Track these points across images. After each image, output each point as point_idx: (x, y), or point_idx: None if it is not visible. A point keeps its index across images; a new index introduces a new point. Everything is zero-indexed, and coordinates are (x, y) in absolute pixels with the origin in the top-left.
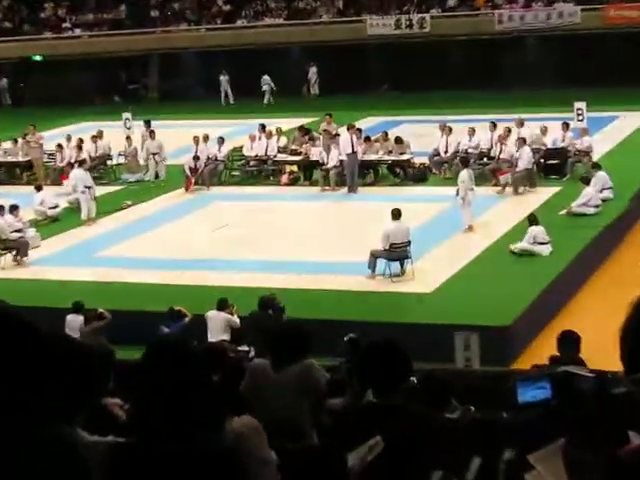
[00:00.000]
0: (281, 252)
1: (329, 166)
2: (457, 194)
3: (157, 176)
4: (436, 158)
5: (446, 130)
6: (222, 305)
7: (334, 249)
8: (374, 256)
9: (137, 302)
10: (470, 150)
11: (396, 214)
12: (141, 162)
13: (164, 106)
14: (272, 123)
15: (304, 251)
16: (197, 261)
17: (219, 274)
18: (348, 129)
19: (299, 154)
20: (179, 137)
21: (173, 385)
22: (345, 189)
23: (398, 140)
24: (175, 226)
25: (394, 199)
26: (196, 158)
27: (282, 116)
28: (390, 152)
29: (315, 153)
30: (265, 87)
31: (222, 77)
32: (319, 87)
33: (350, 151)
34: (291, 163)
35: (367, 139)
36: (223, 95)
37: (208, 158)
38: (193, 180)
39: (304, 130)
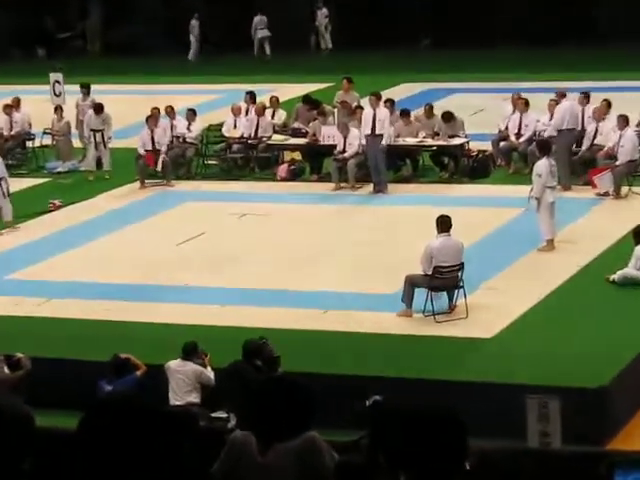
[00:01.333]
0: (277, 276)
1: (347, 154)
2: (531, 195)
3: (99, 164)
4: (503, 143)
5: (520, 104)
6: (190, 352)
7: (352, 273)
8: (411, 284)
9: (66, 347)
10: (550, 132)
11: (444, 225)
12: (76, 144)
13: (109, 64)
14: (265, 90)
15: (309, 276)
16: (155, 288)
17: (187, 307)
18: (374, 100)
19: (304, 135)
20: (130, 109)
21: (120, 466)
22: (370, 187)
23: (447, 117)
24: (124, 237)
25: (440, 202)
26: (154, 141)
27: (280, 80)
28: (436, 134)
29: (327, 134)
30: (260, 34)
31: (194, 22)
32: (332, 38)
33: (369, 132)
34: (292, 148)
35: (403, 115)
36: (194, 48)
37: (172, 140)
38: (158, 161)
39: (311, 101)
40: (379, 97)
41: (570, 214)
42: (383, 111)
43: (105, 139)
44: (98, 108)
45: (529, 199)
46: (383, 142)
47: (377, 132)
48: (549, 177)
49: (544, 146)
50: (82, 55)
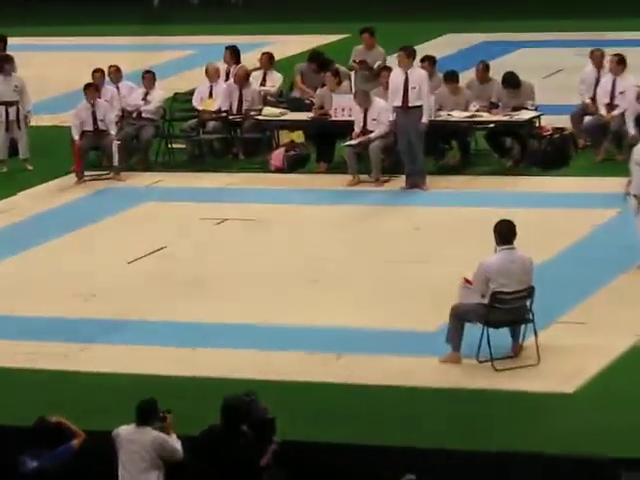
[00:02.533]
0: (270, 306)
1: (370, 135)
2: (629, 191)
3: (14, 150)
4: (588, 119)
5: (612, 63)
6: (147, 414)
7: (376, 302)
8: (459, 318)
9: None
10: None
11: (505, 233)
12: None
13: (35, 6)
14: (253, 45)
15: (315, 306)
16: (97, 323)
17: (142, 349)
18: (405, 58)
19: (308, 108)
20: (64, 71)
21: None
22: (401, 180)
23: (510, 81)
24: (54, 252)
25: (500, 201)
26: (95, 117)
27: (273, 30)
28: (494, 106)
29: (340, 106)
30: None
31: None
32: None
33: (400, 103)
34: (291, 126)
35: (448, 79)
36: None
37: (123, 115)
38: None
39: (319, 59)
40: (412, 53)
41: None
42: (419, 73)
43: (21, 114)
44: (5, 63)
45: (626, 197)
46: (424, 119)
47: (411, 103)
48: None
49: None
50: None
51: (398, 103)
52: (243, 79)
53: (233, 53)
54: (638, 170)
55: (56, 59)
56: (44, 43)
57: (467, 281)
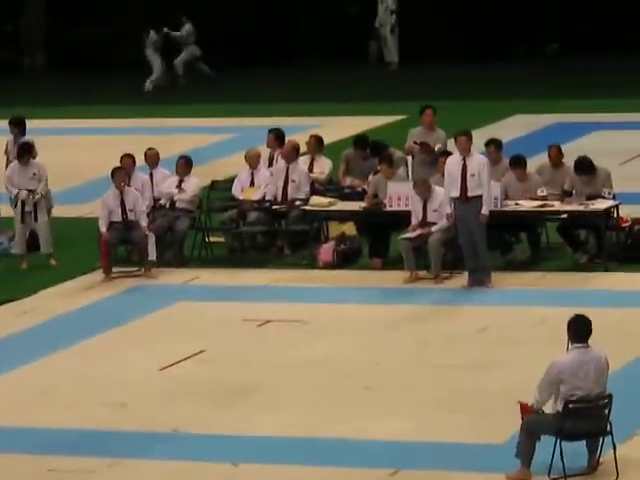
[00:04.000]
0: (317, 418)
1: (433, 229)
2: None
3: (34, 244)
4: None
5: None
6: None
7: (435, 412)
8: (531, 431)
9: None
10: None
11: (579, 330)
12: (5, 212)
13: (56, 84)
14: (300, 128)
15: (367, 416)
16: (127, 436)
17: (177, 465)
18: (464, 142)
19: (360, 197)
20: (89, 156)
21: None
22: (464, 277)
23: (584, 167)
24: (79, 357)
25: (574, 300)
26: (125, 207)
27: (323, 111)
28: (567, 194)
29: (396, 195)
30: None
31: (152, 35)
32: (400, 48)
33: (458, 193)
34: (342, 218)
35: (515, 165)
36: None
37: (155, 205)
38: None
39: (369, 144)
40: (469, 137)
41: None
42: (478, 160)
43: (39, 202)
44: (24, 152)
45: None
46: (484, 209)
47: (471, 194)
48: None
49: None
50: (14, 72)
51: (456, 194)
52: (292, 155)
53: (277, 135)
54: None
55: (76, 142)
56: (61, 126)
57: (524, 406)
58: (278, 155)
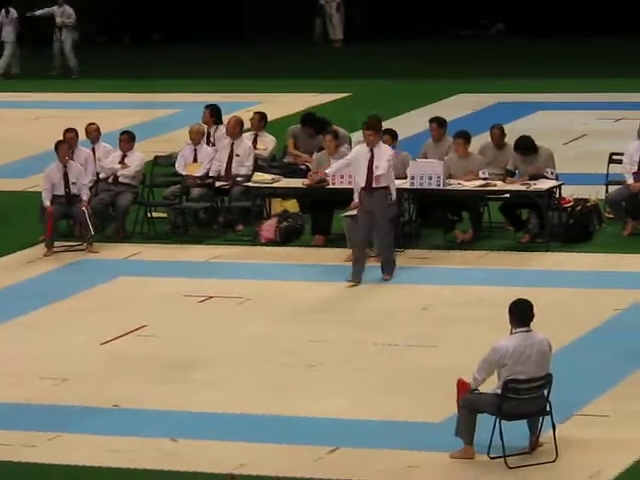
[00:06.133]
0: (256, 394)
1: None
2: None
3: None
4: (613, 189)
5: None
6: None
7: (375, 390)
8: (471, 409)
9: None
10: None
11: (521, 314)
12: None
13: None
14: (242, 104)
15: (306, 394)
16: (67, 410)
17: (117, 440)
18: (367, 135)
19: (303, 174)
20: (31, 130)
21: None
22: (407, 254)
23: (527, 147)
24: (19, 331)
25: (516, 280)
26: (68, 181)
27: (266, 87)
28: (510, 174)
29: (340, 172)
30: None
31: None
32: (345, 26)
33: (363, 184)
34: (285, 194)
35: (456, 136)
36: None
37: (97, 180)
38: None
39: (315, 121)
40: (378, 128)
41: None
42: (384, 151)
43: None
44: None
45: None
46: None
47: (376, 185)
48: None
49: None
50: None
51: (362, 184)
52: (236, 130)
53: (213, 112)
54: None
55: (21, 117)
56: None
57: (462, 384)
58: (214, 131)
